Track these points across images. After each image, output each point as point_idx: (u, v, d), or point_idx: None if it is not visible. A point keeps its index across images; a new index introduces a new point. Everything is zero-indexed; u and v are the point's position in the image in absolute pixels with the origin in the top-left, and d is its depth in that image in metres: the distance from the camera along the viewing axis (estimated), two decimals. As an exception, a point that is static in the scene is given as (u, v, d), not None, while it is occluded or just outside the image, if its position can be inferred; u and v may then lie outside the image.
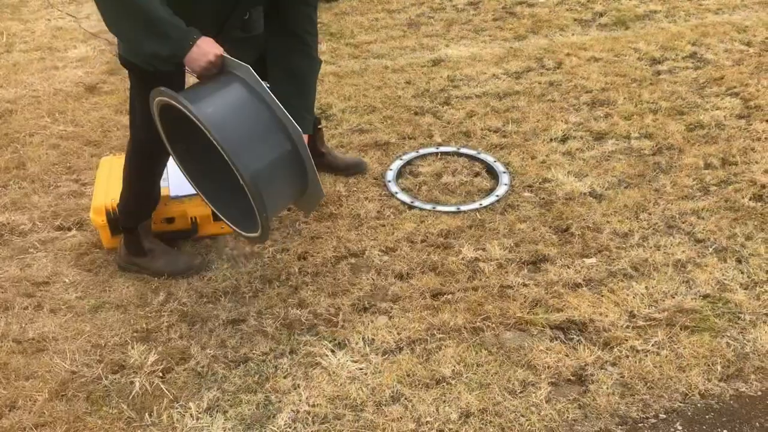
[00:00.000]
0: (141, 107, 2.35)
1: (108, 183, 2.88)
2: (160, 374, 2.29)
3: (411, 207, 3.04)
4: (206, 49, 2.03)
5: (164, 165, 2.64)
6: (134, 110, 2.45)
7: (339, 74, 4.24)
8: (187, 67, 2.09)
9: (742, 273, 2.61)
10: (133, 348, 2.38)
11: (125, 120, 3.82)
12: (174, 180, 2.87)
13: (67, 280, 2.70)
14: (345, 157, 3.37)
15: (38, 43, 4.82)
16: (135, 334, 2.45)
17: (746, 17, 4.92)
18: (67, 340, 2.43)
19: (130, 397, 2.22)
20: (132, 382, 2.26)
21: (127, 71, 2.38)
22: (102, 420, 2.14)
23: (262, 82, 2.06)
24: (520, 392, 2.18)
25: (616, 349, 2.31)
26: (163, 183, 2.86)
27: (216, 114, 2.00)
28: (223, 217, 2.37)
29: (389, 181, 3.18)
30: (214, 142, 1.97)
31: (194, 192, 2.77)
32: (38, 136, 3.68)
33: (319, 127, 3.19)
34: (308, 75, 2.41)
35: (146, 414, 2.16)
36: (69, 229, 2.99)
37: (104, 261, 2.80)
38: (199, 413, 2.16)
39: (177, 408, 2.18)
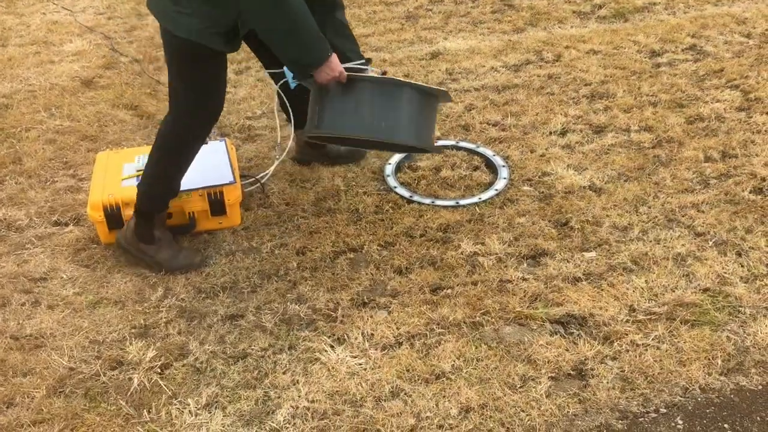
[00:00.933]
0: (193, 87, 2.47)
1: (105, 178, 2.86)
2: (159, 370, 2.28)
3: (410, 201, 3.03)
4: (335, 66, 2.38)
5: (197, 150, 2.65)
6: (183, 92, 2.49)
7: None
8: (314, 75, 2.40)
9: (742, 266, 2.60)
10: (131, 344, 2.37)
11: (122, 114, 3.80)
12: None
13: (64, 276, 2.69)
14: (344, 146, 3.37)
15: (34, 37, 4.79)
16: (133, 330, 2.44)
17: (746, 9, 4.89)
18: (64, 336, 2.42)
19: (129, 393, 2.21)
20: (130, 379, 2.25)
21: (170, 55, 2.45)
22: (100, 417, 2.13)
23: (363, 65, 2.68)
24: (520, 387, 2.17)
25: (616, 344, 2.30)
26: (160, 178, 2.85)
27: (376, 121, 2.48)
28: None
29: (388, 176, 3.17)
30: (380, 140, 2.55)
31: (192, 187, 2.77)
32: (34, 131, 3.65)
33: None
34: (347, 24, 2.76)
35: (145, 410, 2.15)
36: (66, 225, 2.98)
37: (102, 256, 2.78)
38: (198, 409, 2.15)
39: (175, 404, 2.17)
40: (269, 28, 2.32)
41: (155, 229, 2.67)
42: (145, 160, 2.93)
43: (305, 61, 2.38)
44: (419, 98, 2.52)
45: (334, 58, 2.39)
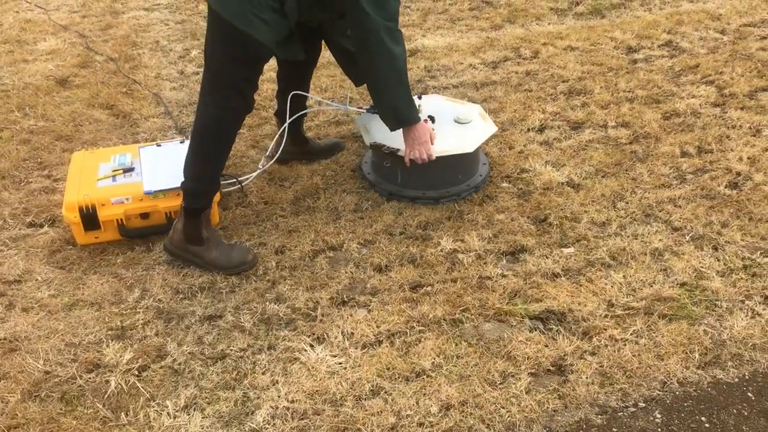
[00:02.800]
0: (241, 75, 2.48)
1: (80, 178, 2.82)
2: (136, 372, 2.25)
3: (389, 199, 3.02)
4: (426, 132, 2.80)
5: (234, 139, 2.65)
6: (227, 79, 2.49)
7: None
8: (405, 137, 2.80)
9: (718, 260, 2.63)
10: (108, 346, 2.34)
11: (97, 114, 3.76)
12: (147, 175, 2.82)
13: (39, 278, 2.65)
14: (323, 141, 3.41)
15: (6, 36, 4.72)
16: (110, 332, 2.41)
17: (720, 5, 4.95)
18: (40, 339, 2.38)
19: (106, 396, 2.18)
20: (107, 381, 2.22)
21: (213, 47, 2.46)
22: (77, 420, 2.10)
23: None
24: (500, 383, 2.18)
25: (595, 339, 2.31)
26: (136, 178, 2.83)
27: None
28: None
29: (368, 174, 3.16)
30: None
31: (169, 187, 2.74)
32: (8, 131, 3.60)
33: (302, 113, 3.15)
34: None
35: (122, 413, 2.12)
36: (41, 226, 2.93)
37: (77, 258, 2.74)
38: (176, 411, 2.12)
39: (153, 406, 2.14)
40: (386, 73, 2.60)
41: (203, 229, 2.63)
42: (122, 160, 2.92)
43: (405, 116, 2.73)
44: None
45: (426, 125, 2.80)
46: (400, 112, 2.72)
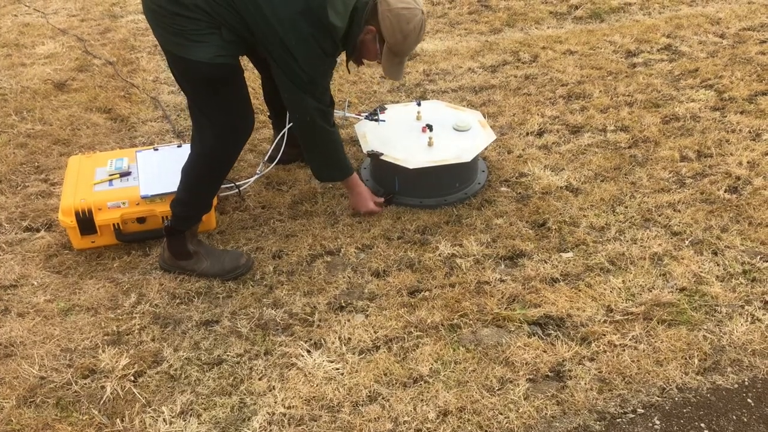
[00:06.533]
0: (219, 113, 2.42)
1: (77, 183, 2.81)
2: (132, 378, 2.24)
3: (388, 203, 3.01)
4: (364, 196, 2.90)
5: (229, 169, 2.61)
6: (210, 119, 2.43)
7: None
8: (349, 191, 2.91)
9: (717, 265, 2.62)
10: (104, 351, 2.33)
11: (95, 118, 3.74)
12: (144, 179, 2.81)
13: (35, 283, 2.64)
14: None
15: (4, 40, 4.71)
16: (106, 338, 2.39)
17: (719, 9, 4.94)
18: (35, 344, 2.37)
19: (101, 402, 2.16)
20: (103, 387, 2.21)
21: (187, 83, 2.41)
22: (72, 426, 2.09)
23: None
24: (498, 389, 2.16)
25: (593, 344, 2.30)
26: (133, 182, 2.81)
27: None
28: None
29: (367, 180, 3.14)
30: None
31: (166, 191, 2.73)
32: (5, 135, 3.59)
33: None
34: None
35: (118, 419, 2.11)
36: (37, 230, 2.92)
37: (74, 262, 2.73)
38: (173, 417, 2.11)
39: (149, 412, 2.13)
40: (310, 153, 2.72)
41: (188, 244, 2.62)
42: (119, 164, 2.90)
43: (340, 178, 2.82)
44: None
45: (354, 179, 2.86)
46: (328, 173, 2.82)
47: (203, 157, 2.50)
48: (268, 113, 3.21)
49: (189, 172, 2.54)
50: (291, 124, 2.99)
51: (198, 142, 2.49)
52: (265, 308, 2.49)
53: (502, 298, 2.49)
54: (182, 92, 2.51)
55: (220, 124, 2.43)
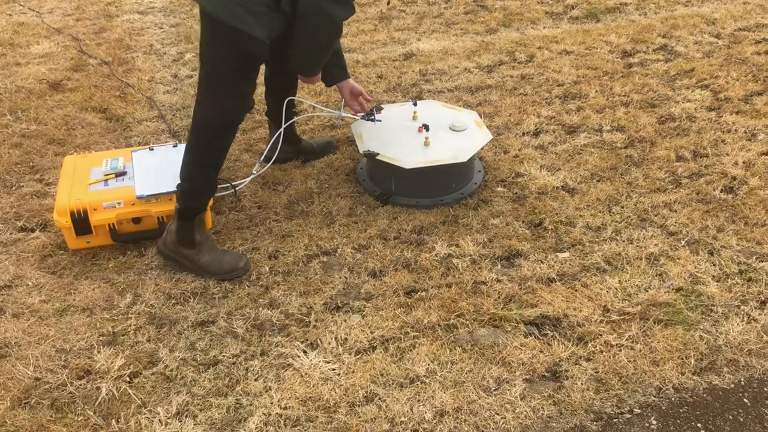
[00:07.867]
0: (234, 84, 2.46)
1: (72, 183, 2.80)
2: (128, 379, 2.23)
3: (384, 203, 3.00)
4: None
5: (231, 140, 2.61)
6: (223, 86, 2.46)
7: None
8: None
9: (714, 265, 2.62)
10: (99, 352, 2.32)
11: (90, 117, 3.73)
12: (140, 179, 2.80)
13: (30, 283, 2.63)
14: (316, 140, 3.42)
15: None
16: (101, 338, 2.38)
17: (715, 9, 4.95)
18: (30, 345, 2.36)
19: (97, 403, 2.15)
20: (98, 388, 2.20)
21: (221, 50, 2.40)
22: (67, 428, 2.08)
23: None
24: (495, 390, 2.16)
25: (590, 344, 2.30)
26: (128, 182, 2.80)
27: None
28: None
29: (363, 180, 3.14)
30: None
31: (161, 191, 2.72)
32: (0, 135, 3.57)
33: (294, 120, 3.14)
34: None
35: (113, 420, 2.10)
36: (32, 231, 2.91)
37: (69, 263, 2.72)
38: (168, 418, 2.10)
39: (145, 413, 2.12)
40: (314, 42, 2.58)
41: (196, 233, 2.61)
42: (114, 164, 2.89)
43: (314, 72, 2.80)
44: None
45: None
46: (312, 68, 2.78)
47: (206, 120, 2.50)
48: (266, 111, 3.20)
49: (191, 141, 2.54)
50: (288, 123, 2.99)
51: (202, 105, 2.51)
52: (261, 309, 2.48)
53: (499, 298, 2.49)
54: (199, 58, 2.50)
55: (230, 95, 2.46)
